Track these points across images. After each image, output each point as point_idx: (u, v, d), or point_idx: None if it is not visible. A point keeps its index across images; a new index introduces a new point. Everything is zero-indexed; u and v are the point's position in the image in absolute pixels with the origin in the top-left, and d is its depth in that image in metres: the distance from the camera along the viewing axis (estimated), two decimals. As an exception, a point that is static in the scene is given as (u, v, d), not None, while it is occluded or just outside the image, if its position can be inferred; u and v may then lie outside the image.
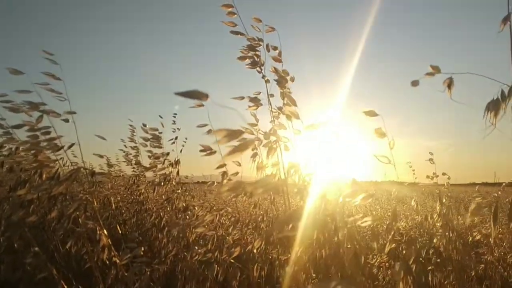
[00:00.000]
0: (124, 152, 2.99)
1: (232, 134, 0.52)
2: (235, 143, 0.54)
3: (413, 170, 2.45)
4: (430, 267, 1.83)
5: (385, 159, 0.87)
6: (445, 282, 1.85)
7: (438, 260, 1.87)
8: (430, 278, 1.80)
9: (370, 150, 0.98)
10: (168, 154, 1.97)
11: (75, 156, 2.01)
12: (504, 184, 2.75)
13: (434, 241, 1.87)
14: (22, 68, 1.20)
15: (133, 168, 2.99)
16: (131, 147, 2.85)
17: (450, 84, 0.91)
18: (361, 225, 0.81)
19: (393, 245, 1.63)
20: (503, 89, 0.84)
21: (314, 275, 1.10)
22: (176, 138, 2.06)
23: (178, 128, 2.14)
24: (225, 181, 1.43)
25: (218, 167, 1.40)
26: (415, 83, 0.89)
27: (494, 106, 0.83)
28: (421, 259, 0.87)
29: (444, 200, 1.91)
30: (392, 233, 0.93)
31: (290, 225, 0.58)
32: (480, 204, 0.71)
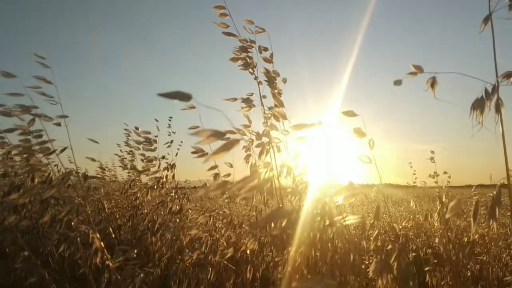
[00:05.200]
0: (119, 156, 2.99)
1: (216, 134, 0.52)
2: (221, 143, 0.55)
3: (414, 171, 2.46)
4: (427, 268, 1.83)
5: (366, 159, 0.88)
6: (442, 283, 1.86)
7: (435, 261, 1.88)
8: (428, 279, 1.81)
9: (356, 155, 0.98)
10: (163, 157, 1.97)
11: (71, 162, 2.01)
12: (499, 184, 2.75)
13: (437, 241, 1.87)
14: (13, 71, 1.20)
15: (129, 172, 2.99)
16: (126, 151, 2.85)
17: (433, 83, 0.92)
18: (346, 223, 0.81)
19: (389, 245, 1.63)
20: (487, 87, 0.85)
21: (309, 276, 1.10)
22: (171, 141, 2.06)
23: (173, 132, 2.15)
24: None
25: (210, 169, 1.41)
26: (397, 83, 0.90)
27: (479, 105, 0.84)
28: (413, 255, 0.87)
29: (444, 200, 1.91)
30: (377, 231, 0.93)
31: (276, 224, 0.59)
32: (459, 200, 0.72)
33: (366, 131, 0.86)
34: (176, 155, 2.11)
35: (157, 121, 2.13)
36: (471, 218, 0.70)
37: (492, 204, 0.70)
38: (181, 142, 2.20)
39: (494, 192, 0.71)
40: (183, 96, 0.51)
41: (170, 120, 2.23)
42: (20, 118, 1.22)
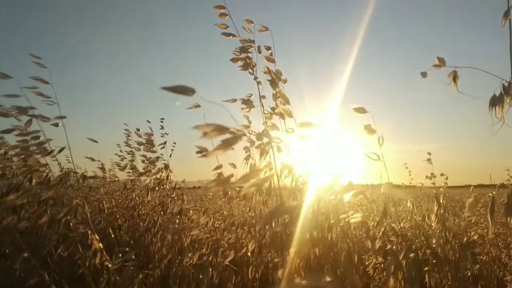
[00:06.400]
0: (119, 156, 2.97)
1: (218, 129, 0.52)
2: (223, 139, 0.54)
3: (410, 172, 2.47)
4: (426, 268, 1.83)
5: (375, 156, 0.87)
6: (442, 283, 1.85)
7: (434, 261, 1.87)
8: (427, 279, 1.80)
9: (364, 150, 0.98)
10: (158, 158, 1.97)
11: (69, 162, 2.00)
12: (498, 185, 2.77)
13: (434, 241, 1.87)
14: (10, 72, 1.19)
15: (128, 173, 2.97)
16: (126, 151, 2.84)
17: (455, 77, 0.91)
18: (350, 221, 0.81)
19: (388, 245, 1.62)
20: (504, 84, 0.84)
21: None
22: (165, 142, 2.06)
23: (166, 133, 2.14)
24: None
25: (215, 169, 1.41)
26: (424, 75, 0.90)
27: (498, 101, 0.84)
28: (412, 255, 0.87)
29: (441, 201, 1.91)
30: (383, 230, 0.93)
31: (276, 221, 0.58)
32: (477, 198, 0.71)
33: (375, 129, 0.86)
34: (170, 156, 2.11)
35: (149, 122, 2.12)
36: (488, 216, 0.70)
37: (508, 201, 0.69)
38: (174, 143, 2.20)
39: (493, 192, 0.71)
40: (186, 90, 0.51)
41: (162, 122, 2.23)
42: (17, 119, 1.21)
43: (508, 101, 0.82)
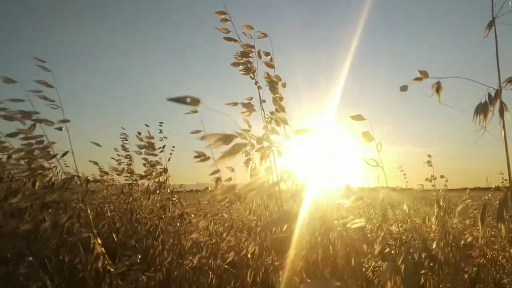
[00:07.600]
0: (116, 160, 2.98)
1: (224, 138, 0.53)
2: (227, 147, 0.55)
3: (404, 174, 2.49)
4: (423, 271, 1.85)
5: (373, 162, 0.89)
6: (440, 286, 1.87)
7: (431, 264, 1.89)
8: (423, 281, 1.82)
9: (362, 156, 0.99)
10: (158, 162, 1.98)
11: (67, 166, 2.01)
12: (493, 187, 2.78)
13: (434, 245, 1.89)
14: (14, 75, 1.20)
15: (126, 176, 2.98)
16: (123, 156, 2.85)
17: (438, 88, 0.93)
18: (351, 227, 0.82)
19: (387, 248, 1.64)
20: (490, 92, 0.86)
21: (309, 280, 1.11)
22: (163, 146, 2.07)
23: (165, 137, 2.16)
24: (218, 187, 1.44)
25: (212, 173, 1.41)
26: (403, 88, 0.91)
27: (482, 109, 0.86)
28: (410, 258, 0.88)
29: (441, 203, 1.93)
30: (382, 234, 0.95)
31: (281, 227, 0.60)
32: (467, 204, 0.73)
33: (373, 135, 0.87)
34: (169, 160, 2.12)
35: (147, 126, 2.13)
36: (479, 221, 0.71)
37: (500, 206, 0.71)
38: (173, 146, 2.21)
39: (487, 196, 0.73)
40: (192, 100, 0.52)
41: (161, 125, 2.24)
42: (22, 122, 1.22)
43: (491, 110, 0.84)
